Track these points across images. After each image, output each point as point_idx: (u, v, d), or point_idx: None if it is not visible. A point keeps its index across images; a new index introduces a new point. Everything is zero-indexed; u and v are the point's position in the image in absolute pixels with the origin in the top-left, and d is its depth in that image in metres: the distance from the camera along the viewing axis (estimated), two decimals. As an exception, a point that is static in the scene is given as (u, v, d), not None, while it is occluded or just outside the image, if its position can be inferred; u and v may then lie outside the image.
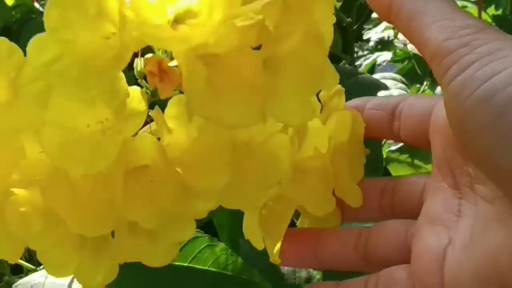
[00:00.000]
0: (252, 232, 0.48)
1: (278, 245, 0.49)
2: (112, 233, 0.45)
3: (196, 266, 0.67)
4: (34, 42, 0.38)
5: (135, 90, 0.41)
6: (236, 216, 0.49)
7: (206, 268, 0.67)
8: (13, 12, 1.51)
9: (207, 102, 0.37)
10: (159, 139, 0.42)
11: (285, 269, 0.84)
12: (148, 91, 0.43)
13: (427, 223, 0.43)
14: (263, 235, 0.47)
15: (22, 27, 1.42)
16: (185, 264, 0.66)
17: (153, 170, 0.42)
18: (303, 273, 0.84)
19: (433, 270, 0.41)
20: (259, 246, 0.48)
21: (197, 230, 0.57)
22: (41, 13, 1.25)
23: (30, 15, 1.53)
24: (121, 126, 0.41)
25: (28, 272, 0.78)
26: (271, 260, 0.48)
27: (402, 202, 0.49)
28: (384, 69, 1.55)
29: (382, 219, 0.49)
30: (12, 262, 0.45)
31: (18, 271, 0.81)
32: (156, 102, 0.43)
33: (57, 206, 0.41)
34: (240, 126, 0.40)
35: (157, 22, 0.36)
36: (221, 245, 0.67)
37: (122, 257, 0.45)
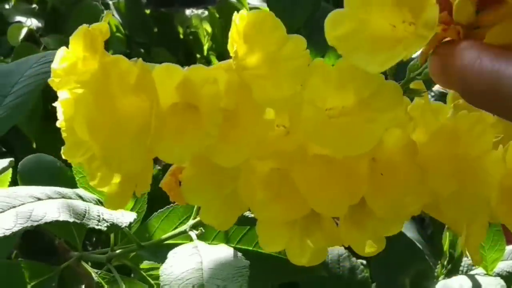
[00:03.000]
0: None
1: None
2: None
3: (259, 250, 0.69)
4: (331, 16, 0.40)
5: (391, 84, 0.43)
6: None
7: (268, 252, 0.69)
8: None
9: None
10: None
11: (329, 258, 0.86)
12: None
13: None
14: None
15: (71, 9, 1.42)
16: (250, 248, 0.69)
17: (389, 163, 0.44)
18: (347, 263, 0.86)
19: None
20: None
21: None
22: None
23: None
24: (368, 116, 0.43)
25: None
26: (475, 264, 0.50)
27: None
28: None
29: None
30: (223, 229, 0.46)
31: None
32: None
33: (299, 182, 0.43)
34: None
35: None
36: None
37: (330, 242, 0.46)
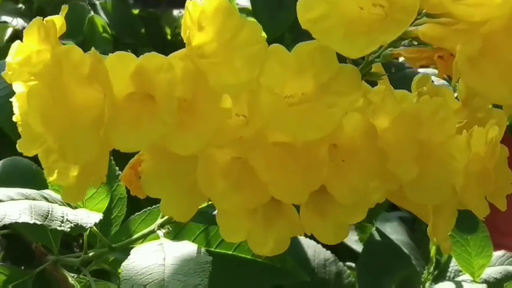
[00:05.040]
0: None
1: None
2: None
3: (240, 255, 0.68)
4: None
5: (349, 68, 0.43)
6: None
7: (249, 256, 0.69)
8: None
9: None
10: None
11: (315, 263, 0.85)
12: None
13: None
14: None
15: (58, 9, 1.40)
16: (230, 252, 0.68)
17: (349, 149, 0.44)
18: (333, 268, 0.86)
19: None
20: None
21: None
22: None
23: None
24: (327, 100, 0.43)
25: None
26: (444, 252, 0.50)
27: None
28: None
29: None
30: (184, 221, 0.45)
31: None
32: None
33: (259, 169, 0.42)
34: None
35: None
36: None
37: (292, 230, 0.46)
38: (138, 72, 0.41)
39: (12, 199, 0.58)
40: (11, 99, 0.74)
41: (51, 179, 0.45)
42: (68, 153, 0.41)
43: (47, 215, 0.58)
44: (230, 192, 0.44)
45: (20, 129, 0.45)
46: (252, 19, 1.12)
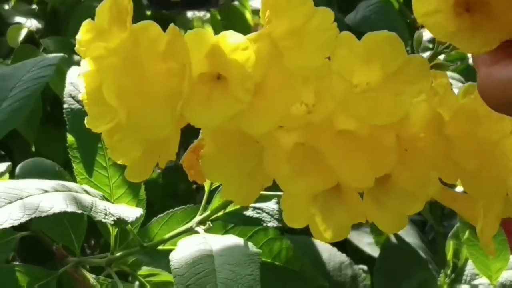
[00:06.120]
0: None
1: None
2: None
3: None
4: None
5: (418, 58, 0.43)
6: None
7: (269, 260, 0.70)
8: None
9: None
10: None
11: (331, 266, 0.85)
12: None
13: None
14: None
15: (72, 10, 1.34)
16: None
17: (413, 138, 0.44)
18: (349, 271, 0.85)
19: None
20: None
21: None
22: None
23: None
24: (395, 88, 0.43)
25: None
26: (489, 254, 0.50)
27: None
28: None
29: None
30: (246, 204, 0.45)
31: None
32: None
33: (327, 153, 0.43)
34: None
35: None
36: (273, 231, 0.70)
37: (353, 218, 0.46)
38: (214, 50, 0.41)
39: (57, 190, 0.58)
40: (25, 103, 0.76)
41: (113, 156, 0.45)
42: (142, 127, 0.41)
43: (92, 207, 0.58)
44: (294, 175, 0.44)
45: (86, 107, 0.44)
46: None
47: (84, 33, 0.44)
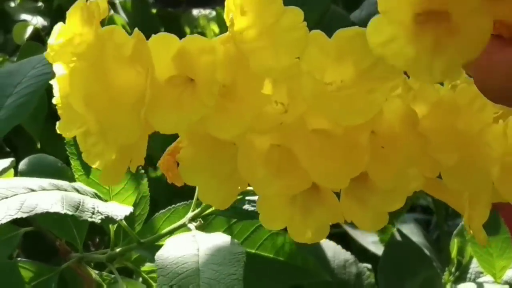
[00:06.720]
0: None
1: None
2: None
3: (261, 253, 0.70)
4: (372, 23, 0.37)
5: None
6: None
7: (271, 255, 0.70)
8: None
9: None
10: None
11: (335, 263, 0.85)
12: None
13: None
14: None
15: None
16: (253, 251, 0.70)
17: (389, 136, 0.43)
18: (353, 269, 0.85)
19: None
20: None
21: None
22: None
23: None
24: (368, 86, 0.42)
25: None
26: (480, 243, 0.49)
27: None
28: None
29: None
30: (223, 208, 0.45)
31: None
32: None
33: (300, 155, 0.42)
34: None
35: None
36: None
37: (332, 218, 0.45)
38: (180, 54, 0.41)
39: (44, 189, 0.58)
40: (29, 99, 0.76)
41: (87, 160, 0.45)
42: (109, 134, 0.41)
43: (78, 206, 0.58)
44: (270, 178, 0.44)
45: (59, 111, 0.45)
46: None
47: (55, 37, 0.44)
